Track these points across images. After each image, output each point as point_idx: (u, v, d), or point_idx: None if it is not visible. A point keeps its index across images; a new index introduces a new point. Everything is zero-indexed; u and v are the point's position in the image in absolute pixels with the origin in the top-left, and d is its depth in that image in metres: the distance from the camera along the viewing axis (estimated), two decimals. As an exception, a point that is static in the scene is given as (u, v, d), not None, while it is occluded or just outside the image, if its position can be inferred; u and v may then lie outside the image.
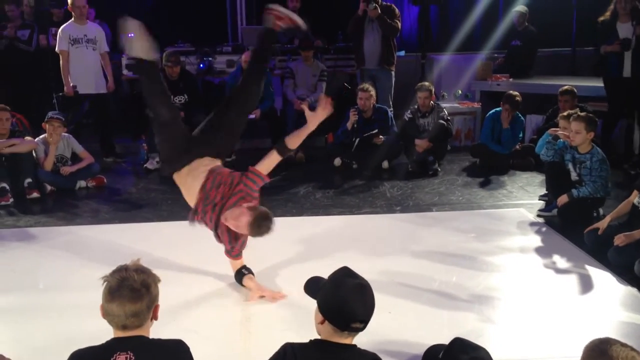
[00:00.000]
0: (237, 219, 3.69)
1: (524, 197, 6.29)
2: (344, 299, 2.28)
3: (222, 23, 10.81)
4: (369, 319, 2.34)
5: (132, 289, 2.24)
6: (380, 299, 2.45)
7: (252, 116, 8.00)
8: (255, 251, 4.91)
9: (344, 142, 7.50)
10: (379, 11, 7.96)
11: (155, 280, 2.36)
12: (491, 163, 7.47)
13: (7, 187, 6.23)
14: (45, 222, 5.65)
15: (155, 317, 2.36)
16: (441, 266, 4.52)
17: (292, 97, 8.25)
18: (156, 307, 2.35)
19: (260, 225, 3.63)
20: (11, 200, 6.18)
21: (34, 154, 6.60)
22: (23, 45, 8.80)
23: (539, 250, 4.87)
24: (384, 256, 4.68)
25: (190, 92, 7.80)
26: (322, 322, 2.33)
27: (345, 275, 2.38)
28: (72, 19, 7.62)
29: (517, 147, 7.59)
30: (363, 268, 2.61)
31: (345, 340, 2.34)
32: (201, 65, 8.97)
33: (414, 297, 3.99)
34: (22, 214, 5.91)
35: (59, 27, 7.68)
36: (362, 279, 2.38)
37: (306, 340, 2.39)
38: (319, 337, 2.39)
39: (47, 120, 6.61)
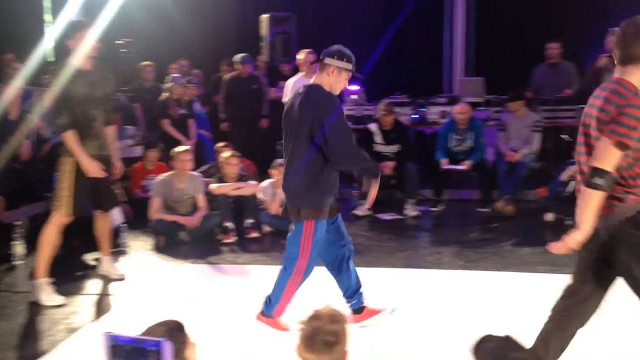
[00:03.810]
0: None
1: None
2: None
3: (437, 74, 11.00)
4: None
5: (325, 343, 2.34)
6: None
7: (462, 167, 7.96)
8: (454, 308, 4.85)
9: (558, 197, 7.13)
10: None
11: (346, 326, 2.45)
12: None
13: (232, 226, 6.84)
14: (262, 261, 6.07)
15: None
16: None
17: (504, 148, 8.07)
18: (344, 354, 2.41)
19: None
20: (233, 238, 6.77)
21: (258, 197, 7.16)
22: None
23: None
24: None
25: (402, 142, 8.01)
26: None
27: None
28: (302, 73, 8.07)
29: None
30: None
31: None
32: (414, 116, 9.16)
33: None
34: (242, 251, 6.46)
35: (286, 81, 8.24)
36: None
37: None
38: None
39: (274, 167, 7.15)
